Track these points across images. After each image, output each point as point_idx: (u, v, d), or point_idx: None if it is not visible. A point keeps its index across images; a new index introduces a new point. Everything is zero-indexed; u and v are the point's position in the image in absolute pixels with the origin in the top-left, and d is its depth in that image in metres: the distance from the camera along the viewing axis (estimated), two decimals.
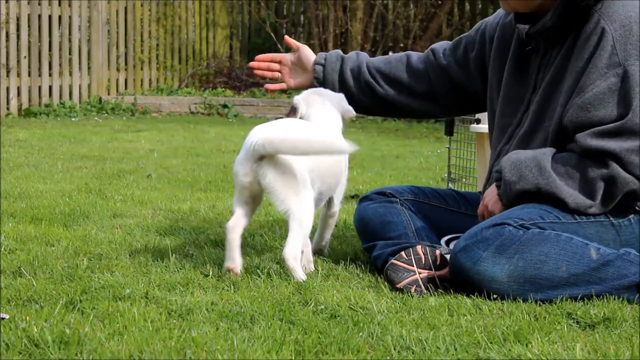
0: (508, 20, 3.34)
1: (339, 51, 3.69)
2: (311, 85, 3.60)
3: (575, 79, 3.03)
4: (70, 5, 10.77)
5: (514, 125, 3.25)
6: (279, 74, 3.66)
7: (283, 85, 3.67)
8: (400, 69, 3.60)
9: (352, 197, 4.96)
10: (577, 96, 3.01)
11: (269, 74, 3.65)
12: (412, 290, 2.99)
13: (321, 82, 3.59)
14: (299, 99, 3.40)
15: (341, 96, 3.47)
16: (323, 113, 3.38)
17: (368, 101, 3.62)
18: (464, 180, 4.95)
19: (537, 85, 3.20)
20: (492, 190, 3.17)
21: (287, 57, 3.67)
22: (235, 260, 3.12)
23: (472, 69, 3.49)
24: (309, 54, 3.64)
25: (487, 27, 3.46)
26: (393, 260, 3.06)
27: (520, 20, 3.21)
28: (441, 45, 3.60)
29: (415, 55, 3.62)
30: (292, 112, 3.38)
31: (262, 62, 3.66)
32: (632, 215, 3.06)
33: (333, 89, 3.55)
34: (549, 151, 3.05)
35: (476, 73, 3.49)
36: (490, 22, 3.47)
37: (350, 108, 3.45)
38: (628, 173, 2.96)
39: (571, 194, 3.01)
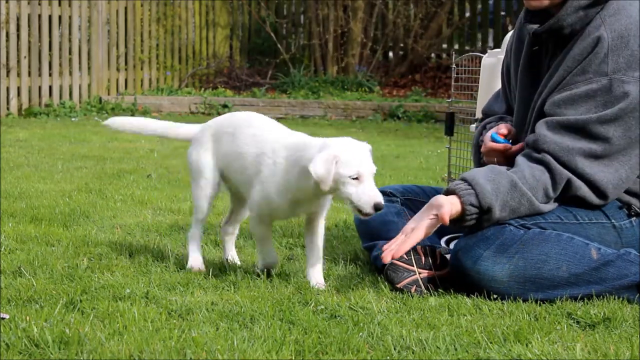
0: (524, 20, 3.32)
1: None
2: None
3: (561, 76, 3.04)
4: (70, 5, 10.76)
5: (525, 132, 3.22)
6: None
7: None
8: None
9: None
10: (557, 93, 3.02)
11: None
12: (412, 290, 2.99)
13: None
14: None
15: None
16: None
17: None
18: None
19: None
20: (452, 204, 2.94)
21: None
22: None
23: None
24: None
25: (507, 42, 3.44)
26: (393, 260, 3.05)
27: (531, 20, 3.19)
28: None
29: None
30: None
31: None
32: (634, 218, 3.07)
33: None
34: (508, 173, 2.97)
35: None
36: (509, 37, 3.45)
37: None
38: (562, 166, 2.95)
39: (545, 206, 3.01)
